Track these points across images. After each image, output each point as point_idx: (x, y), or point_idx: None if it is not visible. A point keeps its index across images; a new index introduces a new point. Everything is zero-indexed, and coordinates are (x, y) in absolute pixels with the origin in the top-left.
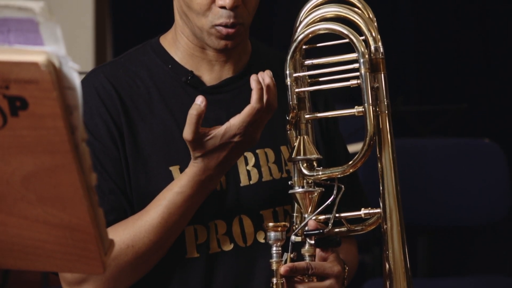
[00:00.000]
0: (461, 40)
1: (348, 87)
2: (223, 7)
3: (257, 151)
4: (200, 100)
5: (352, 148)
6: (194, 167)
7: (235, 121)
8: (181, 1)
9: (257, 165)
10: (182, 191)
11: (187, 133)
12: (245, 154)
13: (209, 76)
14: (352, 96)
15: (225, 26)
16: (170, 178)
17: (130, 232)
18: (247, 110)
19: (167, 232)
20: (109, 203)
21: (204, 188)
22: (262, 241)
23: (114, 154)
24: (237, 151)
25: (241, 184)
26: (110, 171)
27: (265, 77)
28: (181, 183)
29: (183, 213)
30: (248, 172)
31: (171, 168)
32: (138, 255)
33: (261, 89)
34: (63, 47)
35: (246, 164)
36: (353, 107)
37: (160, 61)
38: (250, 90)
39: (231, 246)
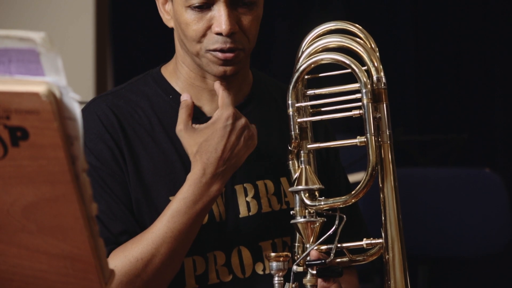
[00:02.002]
0: (461, 70)
1: (348, 117)
2: (219, 34)
3: (257, 182)
4: (186, 96)
5: (353, 177)
6: (194, 169)
7: (221, 107)
8: (179, 29)
9: (256, 196)
10: (184, 196)
11: (179, 123)
12: (245, 185)
13: (210, 106)
14: (350, 126)
15: (221, 51)
16: None
17: (139, 246)
18: (223, 96)
19: (174, 242)
20: (121, 225)
21: (207, 195)
22: (261, 272)
23: (121, 178)
24: (236, 145)
25: (240, 215)
26: (119, 194)
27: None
28: (183, 188)
29: (188, 222)
30: (248, 203)
31: (171, 198)
32: (148, 268)
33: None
34: (64, 77)
35: (246, 195)
36: (354, 137)
37: (161, 91)
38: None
39: (229, 278)
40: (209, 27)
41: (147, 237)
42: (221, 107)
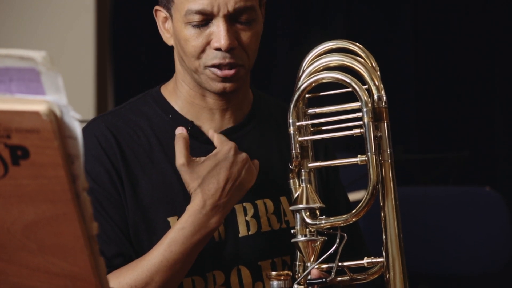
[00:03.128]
0: (462, 88)
1: (348, 135)
2: (218, 49)
3: (256, 201)
4: (180, 129)
5: (353, 196)
6: (194, 200)
7: (222, 141)
8: (178, 47)
9: (256, 215)
10: (182, 227)
11: (179, 158)
12: (244, 204)
13: (210, 125)
14: (350, 144)
15: (219, 67)
16: (168, 229)
17: (133, 273)
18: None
19: (169, 271)
20: (115, 248)
21: (206, 227)
22: None
23: (118, 201)
24: (236, 178)
25: (240, 235)
26: (114, 217)
27: None
28: (182, 219)
29: (185, 252)
30: (247, 222)
31: (169, 219)
32: None
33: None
34: (65, 96)
35: (245, 214)
36: (355, 156)
37: (161, 111)
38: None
39: None
40: (208, 43)
41: (142, 265)
42: (220, 143)
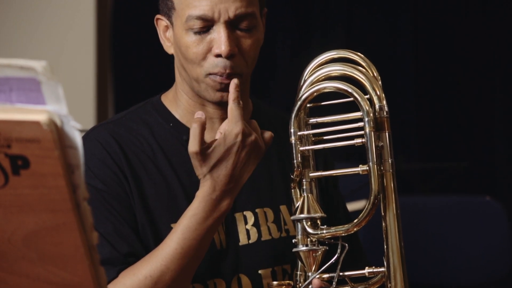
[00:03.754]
0: (462, 98)
1: (348, 145)
2: (218, 56)
3: (257, 210)
4: (200, 113)
5: (354, 206)
6: (203, 186)
7: (231, 122)
8: (179, 54)
9: (256, 224)
10: (194, 213)
11: (193, 145)
12: (245, 213)
13: (210, 134)
14: (351, 153)
15: (221, 75)
16: None
17: (148, 263)
18: (232, 109)
19: (184, 258)
20: (127, 247)
21: (217, 210)
22: None
23: (127, 201)
24: (244, 162)
25: (240, 243)
26: (125, 216)
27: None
28: (193, 206)
29: (198, 238)
30: (247, 231)
31: (173, 225)
32: (158, 286)
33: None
34: (65, 106)
35: (246, 223)
36: (355, 165)
37: (162, 119)
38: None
39: None
40: (209, 50)
41: (157, 255)
42: (230, 121)
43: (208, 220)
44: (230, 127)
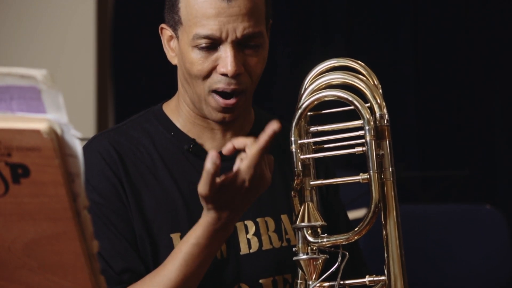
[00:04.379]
0: (462, 107)
1: (349, 154)
2: (224, 74)
3: (258, 219)
4: (215, 156)
5: (354, 214)
6: (207, 217)
7: (243, 166)
8: (183, 68)
9: (257, 233)
10: (197, 242)
11: (204, 189)
12: (246, 222)
13: (211, 144)
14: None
15: (223, 95)
16: (170, 245)
17: (149, 287)
18: (253, 152)
19: (186, 284)
20: (123, 263)
21: (220, 237)
22: None
23: (125, 214)
24: (250, 195)
25: (241, 253)
26: (122, 231)
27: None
28: (196, 234)
29: (200, 264)
30: (248, 240)
31: (172, 235)
32: None
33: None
34: (65, 114)
35: (247, 232)
36: (355, 174)
37: (163, 128)
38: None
39: None
40: (214, 68)
41: (158, 280)
42: (245, 164)
43: (210, 247)
44: (243, 169)
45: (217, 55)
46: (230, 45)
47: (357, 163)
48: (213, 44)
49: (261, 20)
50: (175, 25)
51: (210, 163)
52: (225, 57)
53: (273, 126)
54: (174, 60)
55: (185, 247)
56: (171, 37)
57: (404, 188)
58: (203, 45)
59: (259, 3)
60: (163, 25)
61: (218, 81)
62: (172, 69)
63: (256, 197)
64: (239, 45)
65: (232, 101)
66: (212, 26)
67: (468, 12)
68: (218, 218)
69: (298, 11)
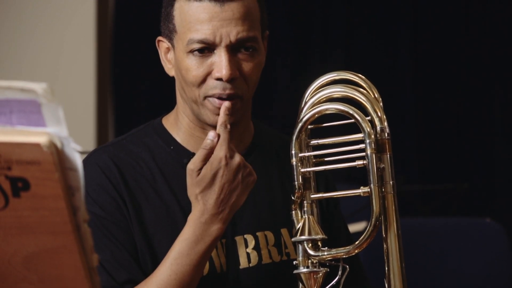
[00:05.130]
0: (462, 120)
1: (349, 167)
2: (219, 79)
3: (257, 233)
4: (212, 136)
5: (355, 227)
6: (194, 210)
7: (217, 146)
8: (180, 76)
9: (257, 247)
10: (185, 238)
11: (193, 162)
12: (245, 236)
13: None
14: (351, 175)
15: (219, 98)
16: None
17: None
18: (219, 131)
19: (179, 285)
20: (126, 274)
21: (208, 235)
22: None
23: (126, 226)
24: (233, 185)
25: (241, 267)
26: (124, 242)
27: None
28: (184, 230)
29: (191, 263)
30: (248, 254)
31: None
32: None
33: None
34: (65, 128)
35: (246, 246)
36: (356, 187)
37: (162, 142)
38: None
39: None
40: (209, 73)
41: (152, 282)
42: (218, 145)
43: (199, 245)
44: (216, 152)
45: (212, 60)
46: (224, 49)
47: (358, 176)
48: (207, 49)
49: (256, 25)
50: (170, 34)
51: (207, 144)
52: (220, 62)
53: (225, 104)
54: (171, 72)
55: (175, 245)
56: (168, 49)
57: (404, 201)
58: (197, 48)
59: (253, 9)
60: (159, 38)
61: (213, 87)
62: (172, 82)
63: (245, 195)
64: (234, 50)
65: (229, 103)
66: (206, 31)
67: (468, 27)
68: (203, 211)
69: (297, 24)
